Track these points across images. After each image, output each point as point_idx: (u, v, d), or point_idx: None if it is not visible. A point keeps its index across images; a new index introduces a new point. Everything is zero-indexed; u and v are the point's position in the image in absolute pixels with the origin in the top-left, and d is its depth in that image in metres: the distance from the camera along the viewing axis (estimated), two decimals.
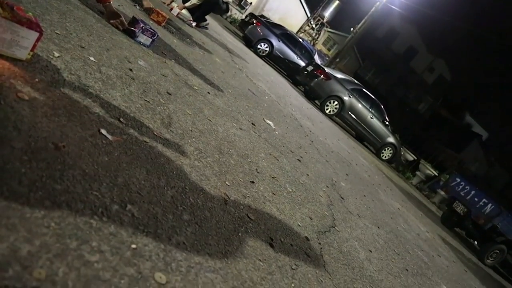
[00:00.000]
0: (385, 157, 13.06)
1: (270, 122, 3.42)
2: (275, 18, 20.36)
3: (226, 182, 1.60)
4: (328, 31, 27.53)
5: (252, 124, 2.91)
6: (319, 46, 26.93)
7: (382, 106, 13.18)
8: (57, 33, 1.69)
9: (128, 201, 1.03)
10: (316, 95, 11.86)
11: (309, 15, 25.77)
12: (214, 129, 2.11)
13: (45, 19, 1.70)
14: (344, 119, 12.00)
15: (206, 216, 1.25)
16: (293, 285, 1.25)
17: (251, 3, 21.81)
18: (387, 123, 13.04)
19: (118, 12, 2.51)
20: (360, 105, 12.28)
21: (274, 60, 13.36)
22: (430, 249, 4.01)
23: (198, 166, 1.55)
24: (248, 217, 1.45)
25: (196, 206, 1.26)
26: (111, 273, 0.78)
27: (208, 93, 2.78)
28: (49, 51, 1.46)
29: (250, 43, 13.00)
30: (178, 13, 5.45)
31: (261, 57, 12.71)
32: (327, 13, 25.54)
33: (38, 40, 1.28)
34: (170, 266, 0.92)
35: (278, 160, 2.50)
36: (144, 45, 2.62)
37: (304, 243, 1.61)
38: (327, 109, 11.70)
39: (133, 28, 2.56)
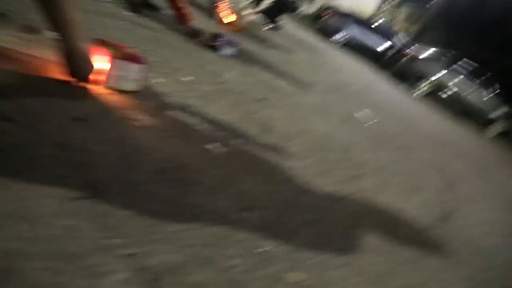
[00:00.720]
0: (494, 132, 11.72)
1: (362, 113, 3.30)
2: (347, 6, 19.71)
3: (333, 180, 1.58)
4: (407, 6, 25.81)
5: (346, 117, 2.84)
6: (401, 24, 25.35)
7: (483, 77, 11.85)
8: (154, 60, 1.84)
9: (246, 208, 1.07)
10: (404, 77, 11.19)
11: None
12: (310, 128, 2.11)
13: (140, 50, 1.87)
14: (438, 99, 11.08)
15: (320, 215, 1.25)
16: (419, 276, 1.18)
17: None
18: (491, 95, 11.69)
19: (200, 30, 2.65)
20: (456, 80, 11.23)
21: (353, 48, 12.93)
22: None
23: (303, 166, 1.55)
24: (361, 212, 1.41)
25: (309, 206, 1.27)
26: (247, 276, 0.82)
27: (297, 93, 2.79)
28: (153, 79, 1.59)
29: (326, 36, 12.79)
30: (250, 20, 5.59)
31: (339, 47, 12.40)
32: None
33: (146, 71, 1.41)
34: (298, 265, 0.94)
35: (379, 150, 2.40)
36: (228, 56, 2.73)
37: (424, 232, 1.52)
38: (418, 91, 10.97)
39: (216, 43, 2.68)
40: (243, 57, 2.97)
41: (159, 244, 0.78)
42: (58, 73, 1.19)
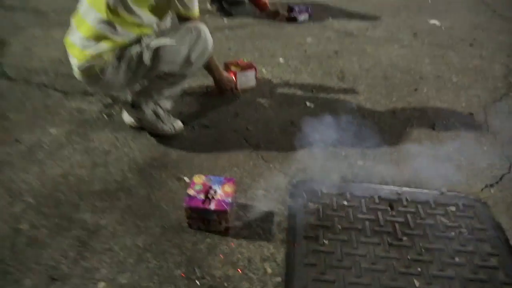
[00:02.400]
0: None
1: (434, 21, 3.69)
2: None
3: (393, 99, 2.32)
4: None
5: (414, 34, 3.35)
6: None
7: None
8: (257, 54, 2.76)
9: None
10: None
11: None
12: (377, 61, 2.80)
13: (245, 50, 2.80)
14: None
15: (380, 126, 2.05)
16: (453, 147, 1.91)
17: None
18: None
19: (276, 10, 3.41)
20: None
21: None
22: None
23: (369, 97, 2.33)
24: (413, 116, 2.15)
25: (372, 122, 2.07)
26: None
27: (367, 29, 3.40)
28: (260, 72, 2.52)
29: None
30: None
31: None
32: None
33: (256, 72, 2.35)
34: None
35: (443, 57, 2.93)
36: (305, 21, 3.47)
37: (466, 118, 2.17)
38: None
39: (292, 15, 3.43)
40: (319, 14, 3.65)
41: None
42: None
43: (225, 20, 3.39)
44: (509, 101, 2.38)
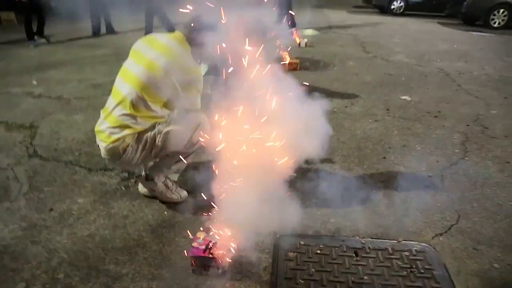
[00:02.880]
0: None
1: (405, 97, 4.26)
2: None
3: (364, 166, 2.75)
4: None
5: (387, 109, 3.89)
6: None
7: None
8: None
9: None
10: (475, 16, 11.06)
11: None
12: (353, 134, 3.28)
13: None
14: None
15: (351, 190, 2.45)
16: (412, 204, 2.29)
17: None
18: None
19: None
20: None
21: (415, 9, 12.97)
22: None
23: (344, 166, 2.76)
24: (380, 180, 2.56)
25: (344, 186, 2.48)
26: None
27: (346, 106, 3.94)
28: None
29: (383, 9, 13.17)
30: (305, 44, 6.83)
31: (400, 15, 12.73)
32: None
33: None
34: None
35: (411, 129, 3.42)
36: None
37: (426, 180, 2.58)
38: (494, 23, 10.75)
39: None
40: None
41: None
42: None
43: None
44: (463, 164, 2.81)
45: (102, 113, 2.14)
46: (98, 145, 2.11)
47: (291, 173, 2.60)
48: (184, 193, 2.32)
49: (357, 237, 1.99)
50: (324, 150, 2.08)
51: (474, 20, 10.94)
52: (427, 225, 2.10)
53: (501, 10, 10.60)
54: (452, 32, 9.58)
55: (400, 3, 13.06)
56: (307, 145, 2.00)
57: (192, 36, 2.00)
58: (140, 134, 2.06)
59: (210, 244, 1.73)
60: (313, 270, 1.75)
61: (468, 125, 3.51)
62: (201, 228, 1.92)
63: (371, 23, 10.58)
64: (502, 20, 10.61)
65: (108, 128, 2.04)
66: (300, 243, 1.93)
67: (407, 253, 1.87)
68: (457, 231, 2.05)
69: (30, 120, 3.51)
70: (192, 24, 1.99)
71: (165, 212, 2.20)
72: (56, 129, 3.38)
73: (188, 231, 2.00)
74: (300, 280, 1.68)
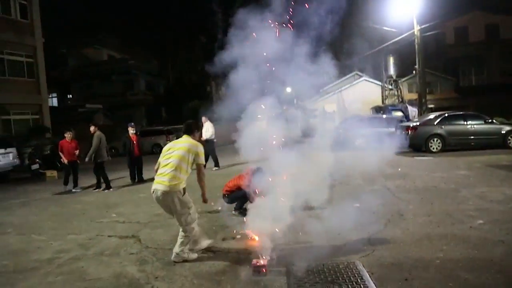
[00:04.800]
0: None
1: (357, 204, 6.66)
2: (357, 107, 23.98)
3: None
4: (403, 81, 29.94)
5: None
6: (409, 96, 29.07)
7: (475, 113, 15.04)
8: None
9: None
10: (417, 144, 14.34)
11: (380, 83, 29.05)
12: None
13: None
14: (453, 145, 13.95)
15: None
16: None
17: (333, 111, 26.15)
18: (489, 120, 14.51)
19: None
20: (457, 127, 14.33)
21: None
22: None
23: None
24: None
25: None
26: None
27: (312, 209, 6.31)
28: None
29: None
30: None
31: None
32: (391, 71, 28.40)
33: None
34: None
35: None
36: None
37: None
38: (433, 148, 14.01)
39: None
40: None
41: None
42: None
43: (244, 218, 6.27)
44: (386, 229, 5.08)
45: (160, 173, 4.43)
46: None
47: None
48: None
49: None
50: None
51: (419, 147, 14.19)
52: None
53: (435, 139, 13.98)
54: (401, 158, 12.59)
55: (361, 139, 16.58)
56: None
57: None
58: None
59: (261, 262, 3.90)
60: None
61: (392, 215, 5.85)
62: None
63: (336, 156, 13.64)
64: (438, 146, 13.91)
65: (167, 179, 4.37)
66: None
67: None
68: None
69: (130, 234, 5.70)
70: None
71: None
72: (152, 234, 5.56)
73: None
74: None
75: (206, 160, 12.90)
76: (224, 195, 6.47)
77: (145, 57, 39.87)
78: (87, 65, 36.68)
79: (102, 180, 10.23)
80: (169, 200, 4.31)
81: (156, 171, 4.53)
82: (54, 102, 35.44)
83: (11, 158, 14.13)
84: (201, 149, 4.55)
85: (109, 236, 5.69)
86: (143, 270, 4.23)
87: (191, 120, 5.02)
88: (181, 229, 4.45)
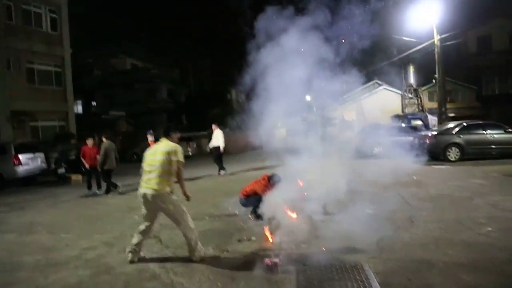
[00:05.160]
0: None
1: (369, 210, 6.83)
2: (376, 116, 24.02)
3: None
4: (423, 90, 29.72)
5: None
6: (429, 105, 28.84)
7: (494, 122, 14.94)
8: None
9: None
10: (436, 153, 14.30)
11: (399, 91, 28.94)
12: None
13: None
14: (472, 154, 13.86)
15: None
16: None
17: (353, 119, 26.20)
18: (509, 130, 14.39)
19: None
20: (475, 136, 14.27)
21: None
22: None
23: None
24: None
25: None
26: None
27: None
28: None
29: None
30: None
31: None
32: (411, 79, 28.28)
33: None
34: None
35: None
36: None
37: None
38: (451, 157, 13.96)
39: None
40: None
41: None
42: None
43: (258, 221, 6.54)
44: (399, 232, 5.26)
45: (144, 178, 4.75)
46: None
47: None
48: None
49: None
50: None
51: (437, 156, 14.15)
52: None
53: (453, 148, 13.94)
54: (418, 167, 12.60)
55: (379, 148, 16.70)
56: None
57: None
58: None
59: (273, 261, 4.17)
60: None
61: (402, 221, 6.02)
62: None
63: (354, 163, 13.76)
64: (456, 155, 13.85)
65: (155, 183, 4.67)
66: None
67: None
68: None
69: (151, 234, 6.03)
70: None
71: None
72: (171, 235, 5.89)
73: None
74: None
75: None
76: (240, 199, 6.76)
77: (168, 66, 40.87)
78: (111, 74, 37.88)
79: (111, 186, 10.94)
80: (160, 202, 4.58)
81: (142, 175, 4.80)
82: (79, 109, 36.69)
83: (39, 163, 14.90)
84: (179, 148, 4.75)
85: (131, 236, 6.03)
86: (163, 266, 4.56)
87: (169, 124, 5.26)
88: (184, 233, 4.74)
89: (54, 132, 22.53)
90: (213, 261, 4.65)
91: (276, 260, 4.31)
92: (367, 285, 3.73)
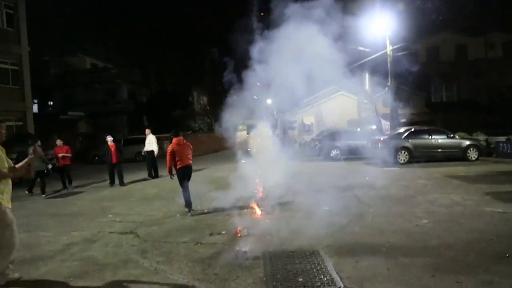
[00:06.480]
0: (473, 157, 15.35)
1: (326, 207, 7.66)
2: (334, 120, 25.31)
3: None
4: (377, 96, 31.58)
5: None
6: (383, 110, 30.66)
7: (439, 128, 16.50)
8: None
9: None
10: (388, 157, 15.52)
11: (356, 96, 30.60)
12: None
13: None
14: (419, 157, 15.21)
15: None
16: None
17: (311, 123, 27.40)
18: (452, 135, 15.91)
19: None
20: (422, 140, 15.67)
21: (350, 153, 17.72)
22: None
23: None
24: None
25: None
26: None
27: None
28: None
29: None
30: None
31: (337, 159, 17.32)
32: (366, 86, 29.98)
33: None
34: None
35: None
36: None
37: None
38: (400, 160, 15.20)
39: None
40: None
41: None
42: None
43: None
44: (351, 224, 6.08)
45: None
46: None
47: None
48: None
49: None
50: None
51: (388, 159, 15.39)
52: None
53: (403, 151, 15.23)
54: (370, 169, 13.78)
55: (336, 151, 17.85)
56: None
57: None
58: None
59: (243, 249, 4.81)
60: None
61: (354, 216, 6.87)
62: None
63: (312, 165, 14.74)
64: (405, 158, 15.16)
65: None
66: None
67: None
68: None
69: (129, 230, 6.51)
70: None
71: None
72: (148, 231, 6.37)
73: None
74: None
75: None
76: None
77: (129, 66, 40.39)
78: (69, 73, 36.91)
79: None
80: None
81: None
82: (34, 108, 35.43)
83: None
84: None
85: (110, 232, 6.49)
86: (145, 257, 5.08)
87: None
88: None
89: (11, 132, 21.89)
90: (190, 251, 5.22)
91: (246, 249, 4.97)
92: (322, 266, 4.47)
